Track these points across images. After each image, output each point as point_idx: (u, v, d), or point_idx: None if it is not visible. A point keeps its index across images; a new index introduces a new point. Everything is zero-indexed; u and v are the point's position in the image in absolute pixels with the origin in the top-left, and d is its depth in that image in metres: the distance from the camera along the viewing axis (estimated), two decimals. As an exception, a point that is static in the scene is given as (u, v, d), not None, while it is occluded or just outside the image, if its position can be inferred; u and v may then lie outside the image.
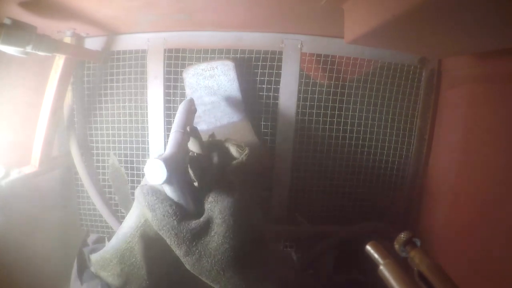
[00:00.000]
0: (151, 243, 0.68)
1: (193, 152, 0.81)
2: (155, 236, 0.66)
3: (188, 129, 0.74)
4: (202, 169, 0.69)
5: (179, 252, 0.58)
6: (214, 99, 1.13)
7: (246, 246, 0.62)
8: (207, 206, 0.62)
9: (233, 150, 0.87)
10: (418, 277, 0.54)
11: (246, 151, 0.84)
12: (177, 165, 0.59)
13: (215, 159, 0.80)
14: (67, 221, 1.25)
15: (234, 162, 0.81)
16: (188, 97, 0.97)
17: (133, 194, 1.26)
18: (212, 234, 0.59)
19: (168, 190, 0.61)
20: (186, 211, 0.61)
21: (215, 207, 0.61)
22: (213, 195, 0.63)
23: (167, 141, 0.69)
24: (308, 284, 0.87)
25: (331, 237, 1.16)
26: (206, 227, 0.59)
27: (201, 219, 0.60)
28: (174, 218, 0.58)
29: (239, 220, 0.61)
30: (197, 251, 0.58)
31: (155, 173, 0.55)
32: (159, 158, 0.55)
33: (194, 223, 0.59)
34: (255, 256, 0.64)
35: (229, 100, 1.12)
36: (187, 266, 0.59)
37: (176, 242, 0.57)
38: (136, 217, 0.70)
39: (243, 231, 0.62)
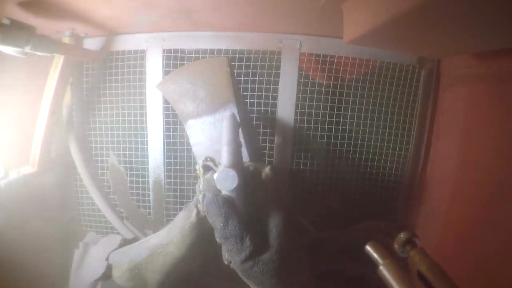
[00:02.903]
0: (173, 262, 0.80)
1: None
2: (178, 255, 0.80)
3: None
4: (253, 182, 0.73)
5: (237, 258, 0.63)
6: (203, 96, 1.12)
7: (291, 257, 0.68)
8: (261, 220, 0.68)
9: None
10: (418, 277, 0.54)
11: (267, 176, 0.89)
12: (243, 174, 0.64)
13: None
14: (66, 221, 1.25)
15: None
16: (230, 113, 1.00)
17: (132, 194, 1.26)
18: (267, 245, 0.65)
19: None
20: (248, 222, 0.66)
21: (270, 222, 0.67)
22: (265, 210, 0.69)
23: (221, 152, 0.72)
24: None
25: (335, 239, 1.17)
26: (264, 239, 0.65)
27: (260, 232, 0.66)
28: (244, 230, 0.63)
29: (290, 234, 0.68)
30: (253, 259, 0.63)
31: (226, 180, 0.60)
32: (226, 166, 0.62)
33: (258, 237, 0.65)
34: (295, 265, 0.70)
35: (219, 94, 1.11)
36: (238, 271, 0.65)
37: (238, 250, 0.63)
38: (167, 234, 0.83)
39: (291, 244, 0.68)
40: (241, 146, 0.80)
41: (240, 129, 1.00)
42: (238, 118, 1.09)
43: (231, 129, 0.84)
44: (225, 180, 0.60)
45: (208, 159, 0.80)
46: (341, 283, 0.95)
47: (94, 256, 1.20)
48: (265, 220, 0.68)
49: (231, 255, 0.64)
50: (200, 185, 0.71)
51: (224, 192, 0.64)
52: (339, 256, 1.14)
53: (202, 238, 0.81)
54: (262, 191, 0.75)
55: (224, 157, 0.69)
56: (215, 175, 0.61)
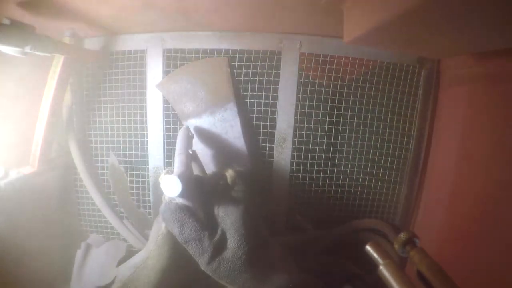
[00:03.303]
0: (156, 275, 0.81)
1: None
2: (160, 268, 0.80)
3: (190, 151, 0.85)
4: (208, 186, 0.76)
5: (201, 261, 0.65)
6: (203, 96, 1.13)
7: (256, 250, 0.69)
8: (219, 220, 0.70)
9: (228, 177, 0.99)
10: (418, 277, 0.54)
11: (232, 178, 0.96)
12: (188, 181, 0.66)
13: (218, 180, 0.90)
14: (66, 221, 1.24)
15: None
16: (184, 126, 1.07)
17: (132, 194, 1.26)
18: (228, 244, 0.66)
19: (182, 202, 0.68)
20: (206, 224, 0.68)
21: (227, 220, 0.69)
22: (222, 210, 0.71)
23: (173, 161, 0.81)
24: (310, 279, 0.91)
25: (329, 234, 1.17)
26: (223, 238, 0.67)
27: (218, 231, 0.67)
28: (201, 232, 0.65)
29: (248, 229, 0.69)
30: (217, 259, 0.65)
31: (171, 187, 0.63)
32: (173, 174, 0.63)
33: (216, 236, 0.66)
34: (264, 256, 0.71)
35: (218, 92, 1.13)
36: (208, 273, 0.66)
37: (200, 253, 0.64)
38: (146, 249, 0.86)
39: (253, 238, 0.69)
40: (189, 156, 0.85)
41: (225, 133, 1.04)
42: (238, 119, 1.10)
43: (182, 140, 0.90)
44: (169, 188, 0.63)
45: (169, 171, 0.83)
46: (336, 280, 0.96)
47: (97, 259, 1.20)
48: (224, 219, 0.70)
49: (196, 258, 0.65)
50: (166, 196, 0.72)
51: (180, 200, 0.66)
52: (335, 255, 1.15)
53: (179, 247, 0.80)
54: (224, 192, 0.78)
55: (174, 166, 0.74)
56: (161, 184, 0.64)
